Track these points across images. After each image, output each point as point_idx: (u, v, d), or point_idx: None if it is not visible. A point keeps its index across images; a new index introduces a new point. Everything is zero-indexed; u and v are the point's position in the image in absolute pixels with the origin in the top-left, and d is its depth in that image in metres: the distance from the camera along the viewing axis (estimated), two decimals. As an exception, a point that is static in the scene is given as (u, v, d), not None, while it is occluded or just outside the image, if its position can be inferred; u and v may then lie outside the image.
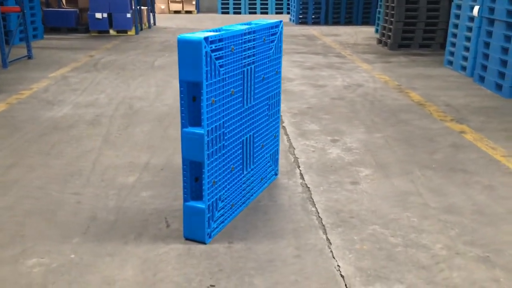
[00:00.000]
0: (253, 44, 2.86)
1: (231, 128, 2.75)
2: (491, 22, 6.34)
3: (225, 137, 2.69)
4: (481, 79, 6.51)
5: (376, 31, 11.83)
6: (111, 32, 11.38)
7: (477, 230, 2.82)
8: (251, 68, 2.88)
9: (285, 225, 2.87)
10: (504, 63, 5.98)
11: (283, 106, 5.35)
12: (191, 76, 2.41)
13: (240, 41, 2.71)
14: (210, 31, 2.57)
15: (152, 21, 13.57)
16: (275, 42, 3.17)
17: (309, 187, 3.37)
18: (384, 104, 5.51)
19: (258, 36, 2.91)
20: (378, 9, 11.64)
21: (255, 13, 18.03)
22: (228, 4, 18.01)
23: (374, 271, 2.42)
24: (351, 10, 14.46)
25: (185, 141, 2.52)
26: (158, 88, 6.19)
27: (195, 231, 2.66)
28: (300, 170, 3.65)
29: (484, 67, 6.45)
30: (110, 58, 8.34)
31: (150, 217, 2.95)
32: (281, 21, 3.23)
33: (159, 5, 17.86)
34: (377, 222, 2.91)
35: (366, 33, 12.18)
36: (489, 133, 4.51)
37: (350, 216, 2.98)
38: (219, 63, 2.51)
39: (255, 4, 18.03)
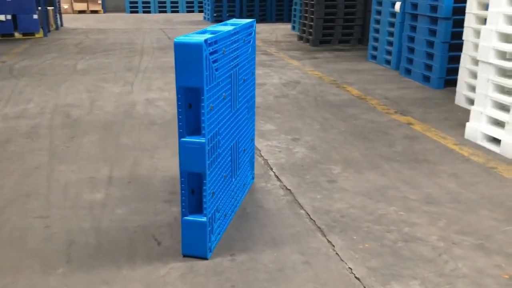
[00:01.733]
0: (237, 45, 2.74)
1: (223, 134, 2.61)
2: (415, 17, 6.69)
3: (219, 145, 2.56)
4: (408, 71, 6.85)
5: (293, 28, 12.05)
6: (16, 35, 10.49)
7: (461, 218, 2.94)
8: (236, 70, 2.76)
9: (281, 231, 2.79)
10: (430, 56, 6.33)
11: (231, 107, 5.24)
12: (190, 81, 2.24)
13: (229, 43, 2.58)
14: (199, 33, 2.42)
15: (59, 22, 12.74)
16: (251, 42, 3.07)
17: (289, 190, 3.31)
18: (327, 100, 5.60)
19: (240, 37, 2.79)
20: (294, 7, 11.85)
21: (165, 11, 17.61)
22: (137, 2, 17.42)
23: (386, 270, 2.42)
24: (264, 7, 14.61)
25: (184, 151, 2.35)
26: (90, 94, 5.80)
27: (195, 247, 2.49)
28: (274, 172, 3.59)
29: (410, 60, 6.80)
30: (25, 63, 7.68)
31: (135, 236, 2.73)
32: (254, 21, 3.13)
33: (62, 5, 16.83)
34: (368, 219, 2.93)
35: (283, 30, 12.35)
36: (433, 123, 4.75)
37: (341, 215, 2.97)
38: (214, 66, 2.37)
39: (164, 3, 17.61)
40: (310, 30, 9.79)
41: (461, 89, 5.38)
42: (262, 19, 14.66)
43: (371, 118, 4.91)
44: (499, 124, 4.14)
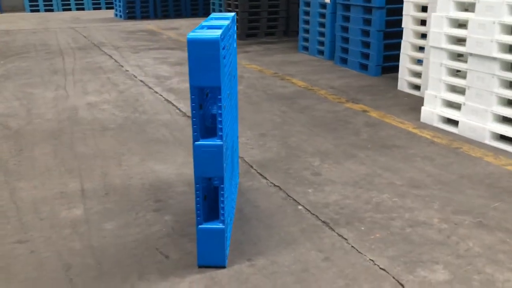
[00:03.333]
0: (231, 40, 2.61)
1: (229, 135, 2.47)
2: (347, 7, 6.85)
3: (227, 146, 2.42)
4: (343, 61, 7.01)
5: (212, 22, 11.90)
6: None
7: (451, 199, 3.04)
8: (229, 66, 2.62)
9: (288, 229, 2.71)
10: (365, 44, 6.53)
11: (185, 107, 5.04)
12: (206, 80, 2.08)
13: (228, 38, 2.44)
14: (200, 28, 2.26)
15: (-46, 25, 11.53)
16: (234, 36, 2.94)
17: (278, 186, 3.23)
18: (277, 93, 5.58)
19: (232, 32, 2.66)
20: (212, 1, 11.70)
21: (69, 9, 16.57)
22: (37, 0, 16.24)
23: (406, 257, 2.44)
24: (178, 2, 14.27)
25: (200, 156, 2.18)
26: (22, 102, 5.29)
27: (212, 256, 2.34)
28: (255, 170, 3.48)
29: (345, 50, 6.97)
30: None
31: (136, 251, 2.51)
32: (235, 14, 3.00)
33: (-49, 6, 15.26)
34: (367, 208, 2.93)
35: (202, 25, 12.15)
36: (387, 110, 4.89)
37: (340, 207, 2.95)
38: (224, 63, 2.23)
39: (69, 0, 16.59)
40: (236, 25, 9.71)
41: (403, 75, 5.60)
42: (177, 15, 14.32)
43: (327, 108, 4.96)
44: (453, 106, 4.35)
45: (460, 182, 3.27)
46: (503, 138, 3.93)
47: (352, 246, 2.54)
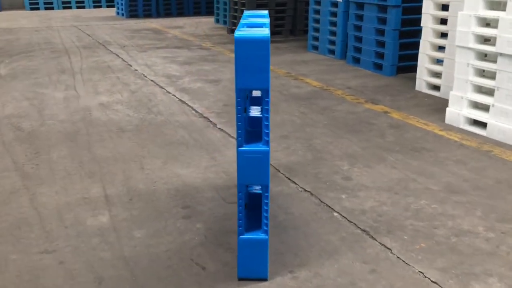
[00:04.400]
0: (269, 39, 2.47)
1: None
2: (360, 6, 6.73)
3: (268, 151, 2.28)
4: (356, 60, 6.88)
5: (217, 21, 11.76)
6: None
7: (494, 206, 2.92)
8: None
9: (327, 237, 2.58)
10: (380, 44, 6.40)
11: (200, 108, 4.90)
12: (254, 82, 1.95)
13: (270, 37, 2.30)
14: (244, 27, 2.12)
15: (-46, 23, 11.34)
16: (269, 36, 2.80)
17: (309, 191, 3.10)
18: (293, 93, 5.45)
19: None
20: (217, -1, 11.56)
21: (70, 7, 16.38)
22: (37, -2, 16.05)
23: (457, 269, 2.31)
24: (181, 1, 14.11)
25: (244, 162, 2.05)
26: (32, 102, 5.14)
27: (254, 268, 2.21)
28: (283, 174, 3.35)
29: (358, 49, 6.84)
30: None
31: (171, 262, 2.38)
32: (267, 12, 2.86)
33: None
34: (406, 215, 2.81)
35: (207, 23, 12.00)
36: (408, 111, 4.77)
37: (378, 215, 2.82)
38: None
39: (69, -3, 16.40)
40: (242, 23, 9.57)
41: (422, 75, 5.48)
42: (179, 13, 14.16)
43: (347, 109, 4.83)
44: (479, 107, 4.23)
45: (498, 188, 3.14)
46: (534, 140, 3.82)
47: (398, 257, 2.41)
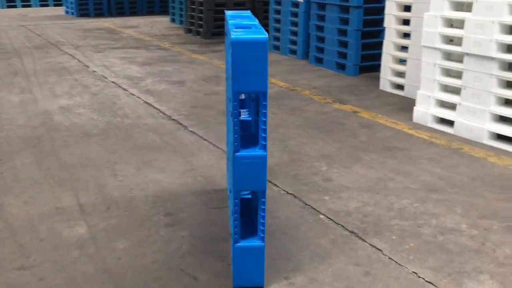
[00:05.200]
0: (256, 40, 2.40)
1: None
2: (322, 6, 6.76)
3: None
4: (318, 60, 6.91)
5: (172, 20, 11.56)
6: None
7: (472, 203, 2.98)
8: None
9: (317, 241, 2.54)
10: (343, 44, 6.46)
11: (168, 110, 4.77)
12: (252, 85, 1.88)
13: (260, 38, 2.24)
14: (235, 28, 2.05)
15: None
16: (251, 36, 2.73)
17: (292, 194, 3.06)
18: (259, 94, 5.39)
19: (256, 31, 2.46)
20: (172, -2, 11.35)
21: (15, 6, 15.61)
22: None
23: (449, 268, 2.33)
24: (134, 0, 13.79)
25: (241, 168, 1.98)
26: (-15, 106, 4.85)
27: (250, 275, 2.14)
28: (263, 177, 3.30)
29: (320, 49, 6.87)
30: None
31: (159, 273, 2.27)
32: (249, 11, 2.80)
33: None
34: (391, 215, 2.82)
35: (162, 23, 11.75)
36: (376, 110, 4.82)
37: (363, 215, 2.81)
38: (263, 66, 2.03)
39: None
40: (200, 23, 9.44)
41: (386, 75, 5.56)
42: (132, 12, 13.83)
43: (316, 109, 4.83)
44: (446, 106, 4.33)
45: (474, 185, 3.21)
46: (500, 137, 3.93)
47: (390, 258, 2.41)
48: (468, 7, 4.12)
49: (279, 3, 7.78)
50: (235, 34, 1.85)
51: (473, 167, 3.50)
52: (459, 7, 4.22)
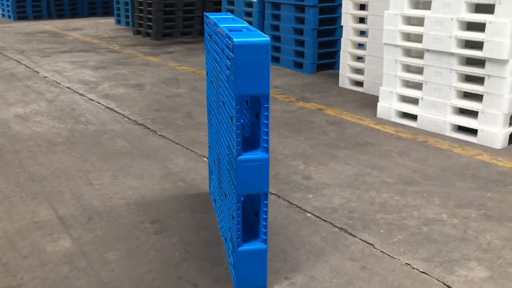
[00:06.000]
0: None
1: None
2: (276, 6, 6.82)
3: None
4: (275, 59, 6.95)
5: (118, 22, 11.28)
6: None
7: (448, 193, 3.10)
8: (243, 71, 2.41)
9: (309, 239, 2.57)
10: (299, 42, 6.54)
11: (132, 115, 4.65)
12: (254, 88, 1.87)
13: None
14: (228, 30, 2.04)
15: None
16: (232, 38, 2.72)
17: (276, 194, 3.07)
18: (222, 95, 5.37)
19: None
20: (117, -1, 11.08)
21: None
22: None
23: (439, 258, 2.42)
24: (74, 1, 13.33)
25: (244, 171, 1.97)
26: None
27: (253, 279, 2.14)
28: (243, 178, 3.29)
29: (276, 49, 6.93)
30: None
31: (157, 283, 2.22)
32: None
33: None
34: (375, 209, 2.89)
35: (107, 25, 11.44)
36: (340, 107, 4.92)
37: (349, 211, 2.87)
38: (260, 68, 2.02)
39: None
40: (149, 24, 9.27)
41: (344, 72, 5.69)
42: (73, 14, 13.37)
43: (282, 108, 4.87)
44: (408, 101, 4.48)
45: (445, 176, 3.35)
46: (461, 129, 4.12)
47: (382, 251, 2.47)
48: (425, 5, 4.29)
49: (232, 3, 7.78)
50: (236, 38, 1.83)
51: (441, 158, 3.65)
52: (417, 5, 4.38)
